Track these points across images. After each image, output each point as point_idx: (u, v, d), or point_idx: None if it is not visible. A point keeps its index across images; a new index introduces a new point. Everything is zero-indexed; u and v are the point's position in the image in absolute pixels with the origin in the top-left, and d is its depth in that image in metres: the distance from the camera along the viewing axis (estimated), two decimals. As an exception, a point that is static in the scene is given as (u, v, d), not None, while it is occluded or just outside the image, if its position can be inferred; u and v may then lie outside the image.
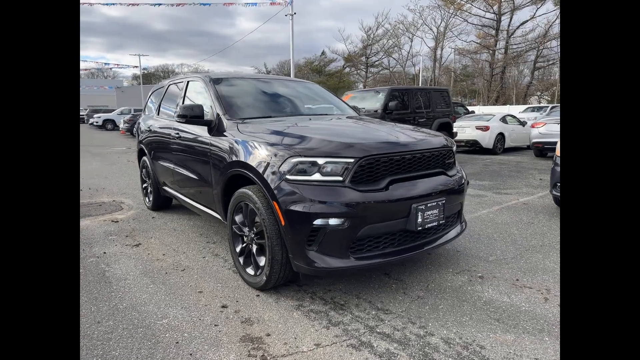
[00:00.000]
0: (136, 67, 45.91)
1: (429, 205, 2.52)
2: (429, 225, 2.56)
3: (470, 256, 3.29)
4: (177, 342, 2.09)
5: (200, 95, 3.64)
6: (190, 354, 1.99)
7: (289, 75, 20.31)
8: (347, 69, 52.96)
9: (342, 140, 2.45)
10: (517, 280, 2.82)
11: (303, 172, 2.34)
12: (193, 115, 3.18)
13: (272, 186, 2.38)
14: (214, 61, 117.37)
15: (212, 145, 3.11)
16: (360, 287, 2.72)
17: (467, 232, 3.91)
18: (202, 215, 3.83)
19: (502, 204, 5.17)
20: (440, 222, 2.63)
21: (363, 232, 2.34)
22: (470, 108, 22.94)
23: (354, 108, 4.20)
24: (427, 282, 2.81)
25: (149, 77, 73.70)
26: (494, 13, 35.31)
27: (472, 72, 42.42)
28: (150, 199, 4.98)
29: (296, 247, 2.33)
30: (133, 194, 6.03)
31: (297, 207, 2.28)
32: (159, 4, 22.03)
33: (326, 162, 2.34)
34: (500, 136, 11.48)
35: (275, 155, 2.44)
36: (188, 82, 3.93)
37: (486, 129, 11.21)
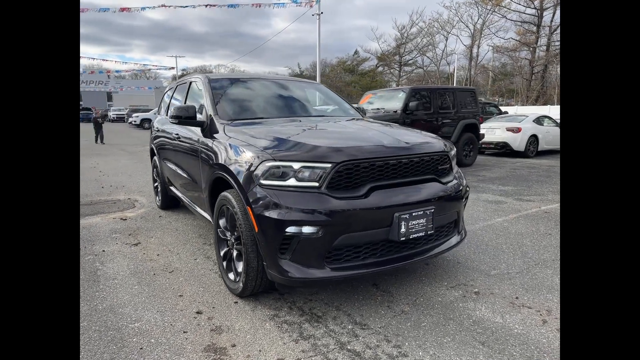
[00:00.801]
0: (173, 68, 47.56)
1: (414, 214, 2.35)
2: (415, 235, 2.39)
3: (470, 269, 3.06)
4: (141, 348, 2.06)
5: (199, 96, 3.63)
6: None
7: (316, 75, 20.24)
8: (380, 68, 52.26)
9: (320, 145, 2.33)
10: (517, 298, 2.58)
11: (278, 176, 2.25)
12: (187, 116, 3.16)
13: (247, 190, 2.30)
14: (249, 62, 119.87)
15: (202, 146, 3.08)
16: (343, 298, 2.59)
17: (474, 242, 3.66)
18: (198, 217, 3.83)
19: (520, 211, 4.83)
20: (429, 232, 2.45)
21: (340, 241, 2.21)
22: (506, 108, 21.94)
23: (359, 109, 4.05)
24: (416, 295, 2.63)
25: (187, 78, 76.34)
26: (535, 8, 33.56)
27: (511, 70, 40.58)
28: (160, 198, 5.06)
29: (269, 255, 2.24)
30: (149, 192, 6.18)
31: (270, 213, 2.18)
32: (190, 6, 22.49)
33: (302, 167, 2.23)
34: (533, 138, 10.84)
35: (251, 158, 2.36)
36: (190, 82, 3.94)
37: (518, 130, 10.63)
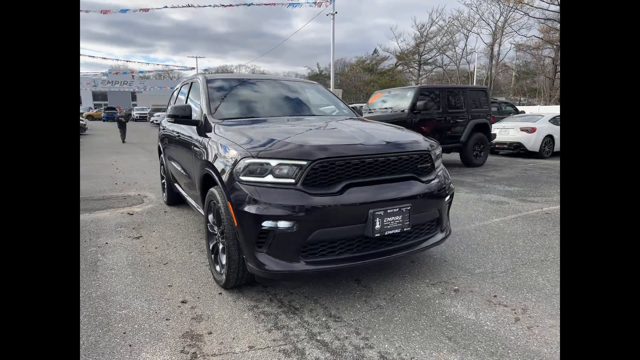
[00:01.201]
0: (193, 68, 48.49)
1: (389, 211, 2.41)
2: (390, 232, 2.44)
3: (455, 267, 3.09)
4: (124, 333, 2.20)
5: (197, 96, 3.78)
6: (130, 345, 2.08)
7: (329, 76, 20.27)
8: (399, 67, 51.78)
9: (298, 143, 2.42)
10: (495, 296, 2.60)
11: (256, 173, 2.35)
12: (183, 115, 3.31)
13: (227, 186, 2.42)
14: (270, 62, 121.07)
15: (196, 144, 3.22)
16: (323, 292, 2.68)
17: (465, 241, 3.67)
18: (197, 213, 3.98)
19: (521, 212, 4.78)
20: (405, 229, 2.50)
21: (315, 236, 2.30)
22: (528, 108, 21.42)
23: (354, 109, 4.11)
24: (395, 291, 2.69)
25: (208, 78, 77.79)
26: (559, 5, 32.58)
27: (534, 69, 39.50)
28: (166, 194, 5.26)
29: (247, 248, 2.34)
30: (159, 189, 6.41)
31: (248, 208, 2.29)
32: (207, 5, 22.76)
33: (279, 164, 2.32)
34: (549, 139, 10.59)
35: (234, 155, 2.47)
36: (192, 82, 4.09)
37: (532, 130, 10.41)
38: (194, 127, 3.38)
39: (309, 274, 2.39)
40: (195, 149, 3.22)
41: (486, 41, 42.14)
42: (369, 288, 2.74)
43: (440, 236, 2.85)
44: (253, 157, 2.36)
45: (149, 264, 3.20)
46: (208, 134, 3.06)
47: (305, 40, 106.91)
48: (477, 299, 2.56)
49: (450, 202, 2.98)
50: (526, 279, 2.87)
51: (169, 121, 3.63)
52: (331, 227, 2.32)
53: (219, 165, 2.58)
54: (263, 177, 2.34)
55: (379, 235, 2.41)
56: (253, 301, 2.56)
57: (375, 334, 2.17)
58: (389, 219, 2.42)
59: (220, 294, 2.67)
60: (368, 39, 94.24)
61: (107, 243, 3.74)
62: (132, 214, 4.82)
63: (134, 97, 63.02)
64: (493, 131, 9.45)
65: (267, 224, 2.25)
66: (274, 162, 2.33)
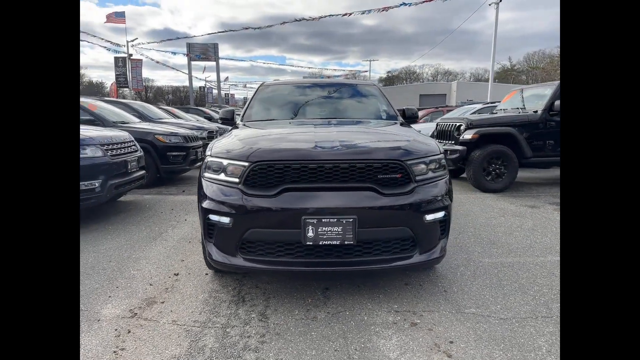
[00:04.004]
0: (365, 71, 50.56)
1: (324, 220, 2.27)
2: (326, 242, 2.30)
3: (448, 300, 2.58)
4: (117, 287, 2.83)
5: (253, 101, 4.25)
6: (117, 287, 2.72)
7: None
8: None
9: (248, 145, 2.55)
10: (452, 342, 2.09)
11: (213, 170, 2.60)
12: (226, 117, 3.84)
13: (199, 181, 2.75)
14: (459, 59, 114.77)
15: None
16: (284, 292, 2.72)
17: (493, 275, 2.96)
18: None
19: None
20: (347, 242, 2.30)
21: (249, 234, 2.39)
22: None
23: (397, 112, 3.81)
24: (349, 308, 2.49)
25: (391, 80, 79.94)
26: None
27: None
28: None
29: (203, 238, 2.63)
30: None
31: (202, 202, 2.57)
32: (402, 5, 22.66)
33: (229, 164, 2.51)
34: None
35: (206, 153, 2.78)
36: (257, 89, 4.61)
37: None
38: (236, 129, 3.86)
39: (248, 269, 2.49)
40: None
41: None
42: (328, 299, 2.62)
43: (418, 259, 2.46)
44: (212, 155, 2.63)
45: (188, 240, 3.86)
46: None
47: (501, 32, 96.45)
48: (426, 341, 2.13)
49: (442, 222, 2.52)
50: (524, 335, 2.17)
51: (222, 123, 4.23)
52: (265, 228, 2.37)
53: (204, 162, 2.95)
54: (218, 174, 2.57)
55: (311, 244, 2.31)
56: (221, 286, 2.84)
57: (276, 342, 2.13)
58: (325, 228, 2.29)
59: (206, 274, 3.05)
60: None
61: (186, 220, 4.63)
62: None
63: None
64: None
65: (212, 217, 2.49)
66: (225, 162, 2.53)
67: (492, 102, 11.12)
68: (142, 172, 5.26)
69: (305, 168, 2.38)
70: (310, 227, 2.29)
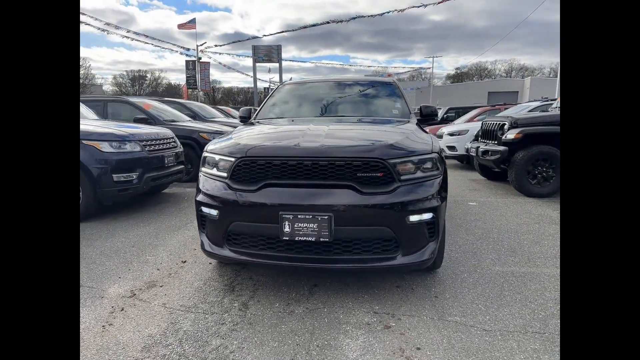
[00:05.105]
0: (429, 68, 48.62)
1: (299, 216, 2.30)
2: (302, 238, 2.32)
3: (435, 306, 2.46)
4: (129, 269, 3.11)
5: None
6: (129, 270, 2.97)
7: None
8: None
9: (238, 141, 2.65)
10: (419, 349, 2.00)
11: (208, 165, 2.75)
12: (243, 116, 4.01)
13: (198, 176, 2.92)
14: (537, 54, 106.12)
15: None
16: (274, 285, 2.79)
17: (499, 285, 2.74)
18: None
19: None
20: (323, 239, 2.30)
21: (233, 227, 2.50)
22: None
23: (412, 110, 3.68)
24: (329, 305, 2.49)
25: (461, 77, 76.30)
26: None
27: None
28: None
29: (198, 229, 2.80)
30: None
31: (197, 195, 2.74)
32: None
33: (220, 159, 2.64)
34: None
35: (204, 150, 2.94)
36: (276, 88, 4.73)
37: None
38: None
39: (234, 261, 2.59)
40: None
41: None
42: (312, 294, 2.64)
43: (401, 260, 2.38)
44: (207, 151, 2.78)
45: (209, 232, 4.09)
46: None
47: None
48: (392, 345, 2.06)
49: (429, 224, 2.41)
50: (502, 349, 2.01)
51: (240, 122, 4.40)
52: (247, 222, 2.46)
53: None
54: (212, 169, 2.71)
55: (287, 239, 2.35)
56: (219, 275, 2.99)
57: (245, 330, 2.21)
58: (301, 224, 2.31)
59: (210, 263, 3.23)
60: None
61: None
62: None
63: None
64: None
65: (203, 209, 2.64)
66: (217, 157, 2.67)
67: (552, 99, 10.16)
68: (181, 166, 5.67)
69: (285, 164, 2.42)
70: (287, 223, 2.33)
